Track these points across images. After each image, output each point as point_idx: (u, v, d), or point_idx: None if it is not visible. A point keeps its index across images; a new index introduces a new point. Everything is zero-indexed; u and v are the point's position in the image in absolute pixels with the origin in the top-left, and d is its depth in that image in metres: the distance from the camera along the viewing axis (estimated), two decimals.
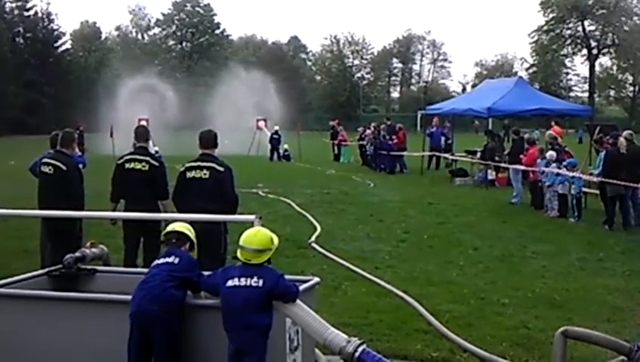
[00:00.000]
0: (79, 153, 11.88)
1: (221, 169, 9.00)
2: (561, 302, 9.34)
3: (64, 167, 9.66)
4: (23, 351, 5.97)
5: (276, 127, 40.91)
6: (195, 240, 6.05)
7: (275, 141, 39.77)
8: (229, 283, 5.31)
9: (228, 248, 9.21)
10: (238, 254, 5.42)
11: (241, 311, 5.19)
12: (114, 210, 9.89)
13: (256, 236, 5.43)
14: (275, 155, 39.33)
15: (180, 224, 6.15)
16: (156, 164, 9.80)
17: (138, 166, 9.71)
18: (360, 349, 5.11)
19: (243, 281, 5.27)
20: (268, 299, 5.25)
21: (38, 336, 5.92)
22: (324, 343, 5.27)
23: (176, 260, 5.73)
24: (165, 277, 5.58)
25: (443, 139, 31.17)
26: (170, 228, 6.10)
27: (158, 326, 5.42)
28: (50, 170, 9.73)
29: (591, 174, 18.02)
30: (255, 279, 5.26)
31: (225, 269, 5.64)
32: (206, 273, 5.80)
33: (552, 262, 11.90)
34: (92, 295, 6.26)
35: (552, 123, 25.98)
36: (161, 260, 5.78)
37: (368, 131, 33.91)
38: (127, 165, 9.80)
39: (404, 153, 30.98)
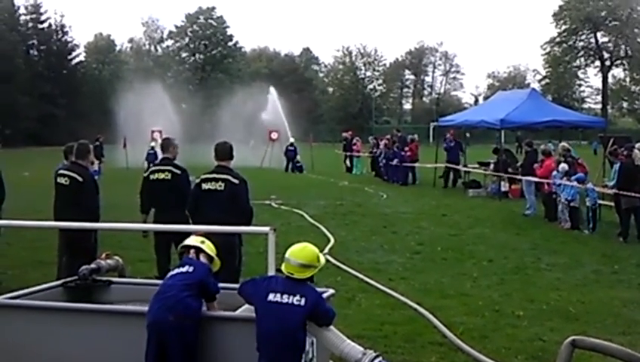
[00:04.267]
0: (95, 168, 12.10)
1: (236, 181, 9.01)
2: (576, 314, 9.28)
3: (80, 179, 9.71)
4: None
5: (291, 139, 40.95)
6: (213, 253, 6.05)
7: (290, 153, 39.77)
8: (271, 296, 5.24)
9: (243, 259, 9.24)
10: (282, 267, 5.36)
11: (282, 328, 5.12)
12: (144, 221, 10.14)
13: (303, 251, 5.38)
14: (290, 166, 39.31)
15: (201, 239, 6.16)
16: (178, 171, 10.10)
17: (161, 176, 10.10)
18: (376, 361, 5.11)
19: (285, 298, 5.20)
20: (307, 318, 5.20)
21: (53, 347, 5.93)
22: (340, 355, 5.27)
23: (191, 269, 5.76)
24: (181, 287, 5.59)
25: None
26: (186, 242, 6.12)
27: (173, 337, 5.43)
28: (66, 181, 9.78)
29: (605, 186, 17.94)
30: (298, 297, 5.19)
31: (268, 279, 5.54)
32: (221, 285, 5.81)
33: (567, 275, 11.85)
34: (107, 306, 6.27)
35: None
36: (176, 270, 5.81)
37: (381, 143, 33.90)
38: (151, 176, 10.19)
39: (417, 164, 30.96)
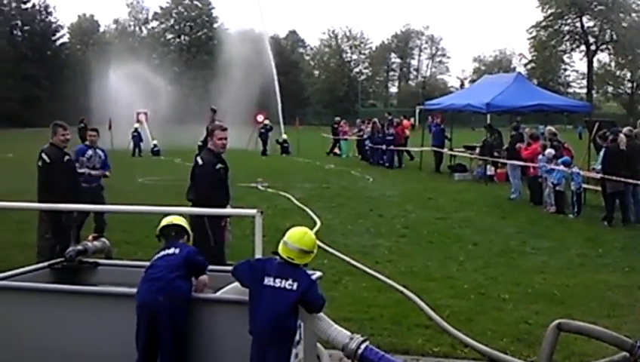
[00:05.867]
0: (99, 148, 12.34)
1: (200, 162, 9.17)
2: (561, 297, 9.34)
3: (47, 159, 9.81)
4: (25, 344, 5.97)
5: (266, 121, 40.99)
6: (190, 232, 6.09)
7: (264, 135, 39.94)
8: (266, 280, 5.20)
9: (231, 241, 9.25)
10: (280, 250, 5.30)
11: (274, 313, 5.09)
12: None
13: (304, 236, 5.33)
14: (263, 149, 39.40)
15: (177, 217, 6.14)
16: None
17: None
18: (363, 346, 5.13)
19: (278, 282, 5.17)
20: (298, 303, 5.18)
21: (40, 329, 5.91)
22: (327, 339, 5.28)
23: (177, 250, 5.76)
24: (169, 268, 5.60)
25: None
26: (167, 221, 6.09)
27: (163, 317, 5.43)
28: (40, 163, 9.92)
29: (593, 170, 18.00)
30: (290, 282, 5.16)
31: (263, 262, 5.46)
32: None
33: (552, 258, 11.91)
34: (94, 288, 6.27)
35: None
36: (162, 253, 5.79)
37: (369, 126, 33.93)
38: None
39: (405, 148, 30.96)
